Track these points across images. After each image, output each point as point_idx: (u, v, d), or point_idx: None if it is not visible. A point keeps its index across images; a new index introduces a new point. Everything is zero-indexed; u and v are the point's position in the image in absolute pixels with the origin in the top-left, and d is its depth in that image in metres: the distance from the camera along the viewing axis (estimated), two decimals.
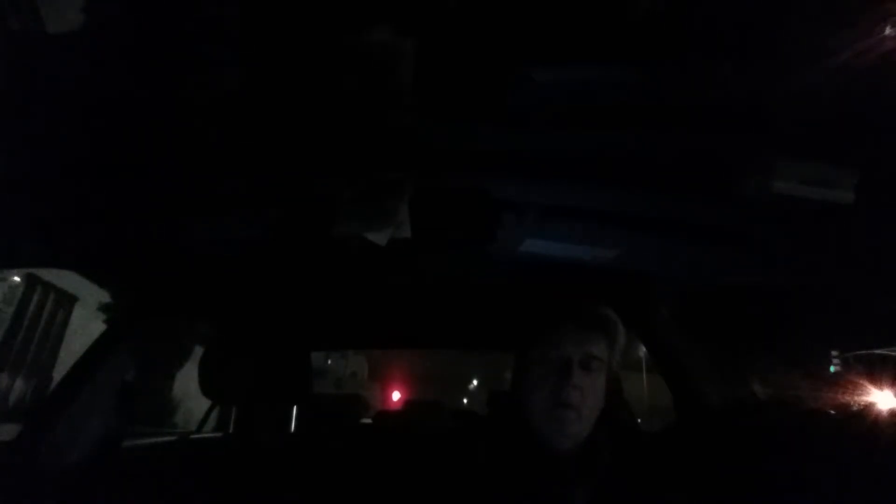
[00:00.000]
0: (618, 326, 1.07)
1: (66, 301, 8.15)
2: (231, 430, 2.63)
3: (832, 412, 1.34)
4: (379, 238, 1.19)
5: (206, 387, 1.34)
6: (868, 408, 1.39)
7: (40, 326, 7.97)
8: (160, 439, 2.39)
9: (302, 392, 1.40)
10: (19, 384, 7.71)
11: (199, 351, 1.50)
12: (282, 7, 0.85)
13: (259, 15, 0.86)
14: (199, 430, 2.88)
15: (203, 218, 1.34)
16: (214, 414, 2.86)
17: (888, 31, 0.76)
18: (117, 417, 1.58)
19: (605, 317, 1.06)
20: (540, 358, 1.05)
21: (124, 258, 1.54)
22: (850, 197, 1.00)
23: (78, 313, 8.05)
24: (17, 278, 7.55)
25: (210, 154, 1.12)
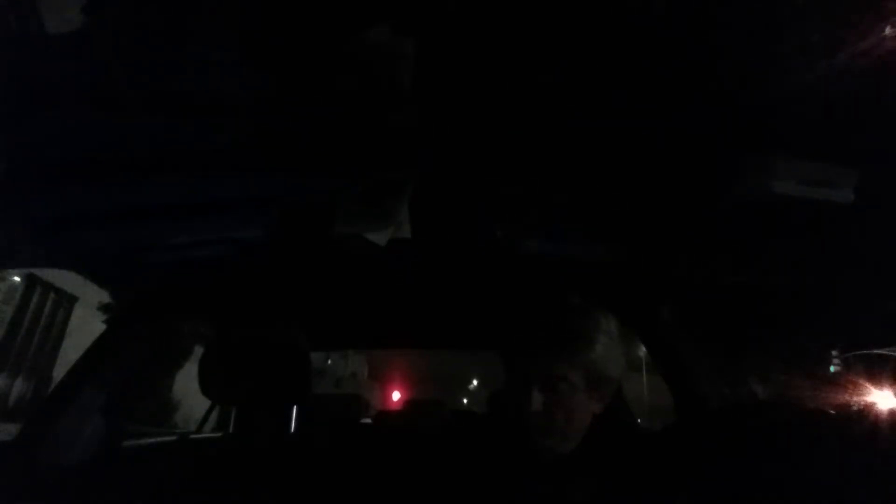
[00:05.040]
0: (592, 343, 1.00)
1: (66, 301, 8.15)
2: (231, 430, 2.63)
3: (832, 412, 1.34)
4: (379, 238, 1.19)
5: (206, 387, 1.34)
6: (868, 408, 1.39)
7: (40, 326, 7.97)
8: (160, 439, 2.39)
9: (302, 392, 1.39)
10: (19, 384, 7.71)
11: (199, 351, 1.50)
12: (282, 7, 0.85)
13: (259, 15, 0.86)
14: (199, 430, 2.88)
15: (204, 217, 1.34)
16: (214, 414, 2.86)
17: (888, 31, 0.76)
18: (117, 417, 1.58)
19: (572, 333, 1.00)
20: (510, 369, 1.05)
21: (124, 258, 1.54)
22: (850, 197, 1.00)
23: (78, 313, 8.04)
24: (17, 278, 7.55)
25: (210, 154, 1.12)
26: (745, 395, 1.82)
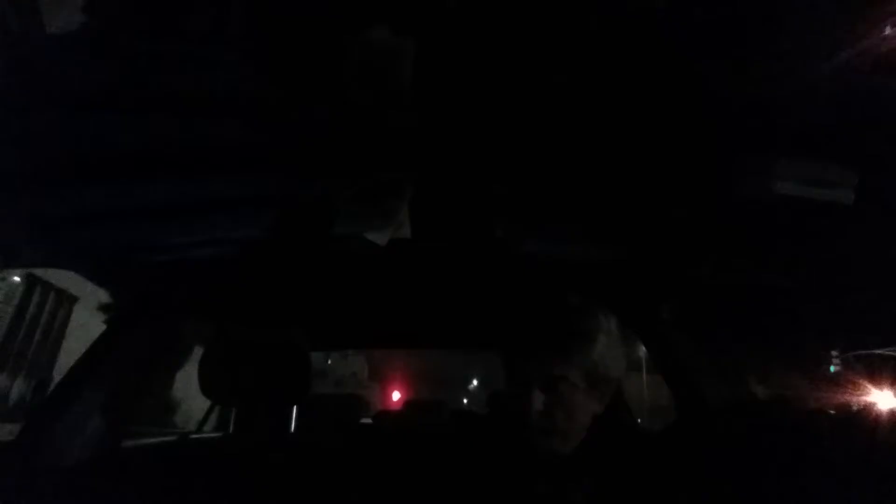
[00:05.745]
0: (593, 343, 1.00)
1: (66, 301, 8.15)
2: (231, 430, 2.63)
3: (832, 412, 1.34)
4: (379, 238, 1.19)
5: (206, 387, 1.34)
6: (868, 408, 1.39)
7: (40, 326, 7.97)
8: (160, 439, 2.39)
9: (302, 392, 1.39)
10: (19, 384, 7.71)
11: (199, 351, 1.50)
12: (282, 7, 0.85)
13: (260, 15, 0.86)
14: (199, 430, 2.88)
15: (203, 217, 1.34)
16: (214, 414, 2.86)
17: (888, 31, 0.76)
18: (117, 417, 1.58)
19: (572, 333, 1.00)
20: (511, 369, 1.05)
21: (124, 258, 1.54)
22: (850, 197, 1.00)
23: (78, 313, 8.04)
24: (17, 278, 7.55)
25: (210, 153, 1.12)
26: (745, 395, 1.82)
